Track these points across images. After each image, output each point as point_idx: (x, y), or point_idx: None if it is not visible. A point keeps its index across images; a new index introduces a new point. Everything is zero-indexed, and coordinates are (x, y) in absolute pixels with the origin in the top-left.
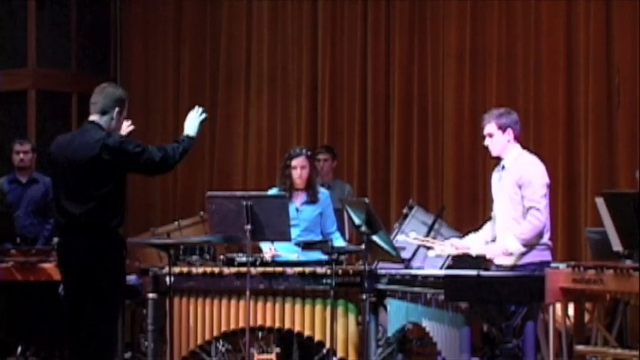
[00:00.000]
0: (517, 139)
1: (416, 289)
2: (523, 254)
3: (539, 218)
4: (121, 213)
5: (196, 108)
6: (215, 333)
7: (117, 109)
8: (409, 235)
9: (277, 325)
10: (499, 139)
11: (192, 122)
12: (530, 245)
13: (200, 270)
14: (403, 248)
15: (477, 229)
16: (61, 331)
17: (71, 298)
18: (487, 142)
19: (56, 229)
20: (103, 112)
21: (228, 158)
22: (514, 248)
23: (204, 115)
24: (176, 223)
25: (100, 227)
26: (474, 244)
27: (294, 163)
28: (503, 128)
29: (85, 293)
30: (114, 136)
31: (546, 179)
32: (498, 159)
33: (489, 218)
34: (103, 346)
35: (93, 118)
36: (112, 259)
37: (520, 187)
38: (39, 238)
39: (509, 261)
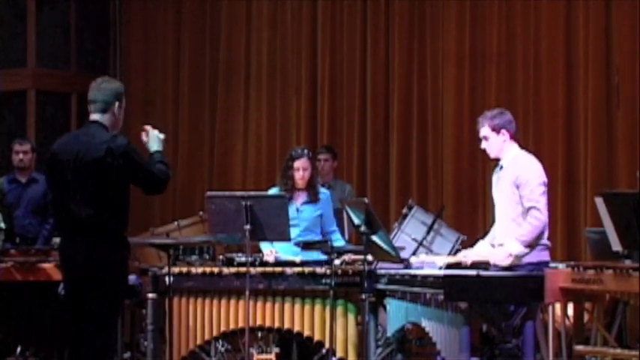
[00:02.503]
0: (513, 138)
1: (415, 289)
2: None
3: (539, 218)
4: (124, 216)
5: (150, 130)
6: (214, 333)
7: (117, 104)
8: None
9: (277, 325)
10: (495, 141)
11: (153, 138)
12: (532, 245)
13: (199, 270)
14: (403, 248)
15: (483, 236)
16: (61, 331)
17: (72, 298)
18: (483, 145)
19: (57, 230)
20: (104, 111)
21: (228, 158)
22: (517, 251)
23: (156, 132)
24: (175, 223)
25: (103, 230)
26: (483, 250)
27: (296, 164)
28: (497, 129)
29: (87, 294)
30: (120, 139)
31: (543, 177)
32: (497, 160)
33: (494, 221)
34: (104, 346)
35: (95, 117)
36: (114, 262)
37: (517, 187)
38: (38, 237)
39: (507, 261)
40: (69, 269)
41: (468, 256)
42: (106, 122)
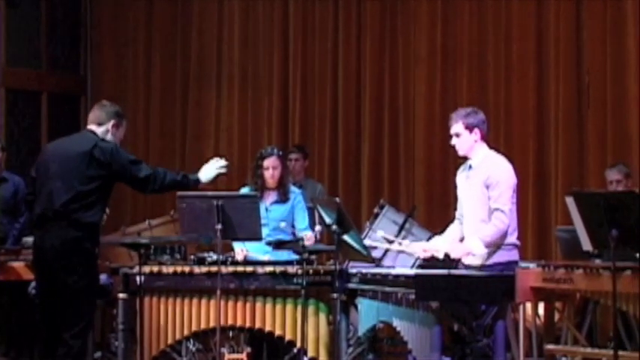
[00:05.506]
0: (484, 138)
1: (387, 289)
2: (488, 255)
3: (504, 221)
4: (98, 211)
5: (216, 159)
6: (186, 332)
7: (112, 122)
8: (377, 233)
9: (248, 324)
10: (466, 139)
11: (209, 168)
12: (495, 246)
13: (171, 269)
14: (374, 248)
15: (441, 231)
16: (31, 330)
17: (44, 292)
18: (454, 141)
19: (32, 224)
20: (99, 124)
21: (199, 158)
22: (477, 250)
23: (223, 168)
24: (147, 222)
25: (73, 220)
26: (440, 246)
27: (265, 163)
28: (470, 128)
29: (57, 287)
30: (110, 141)
31: (514, 180)
32: (465, 158)
33: (452, 220)
34: (77, 346)
35: (90, 127)
36: (81, 253)
37: (488, 187)
38: (8, 237)
39: (476, 261)
40: (39, 256)
41: (428, 250)
42: (100, 134)
